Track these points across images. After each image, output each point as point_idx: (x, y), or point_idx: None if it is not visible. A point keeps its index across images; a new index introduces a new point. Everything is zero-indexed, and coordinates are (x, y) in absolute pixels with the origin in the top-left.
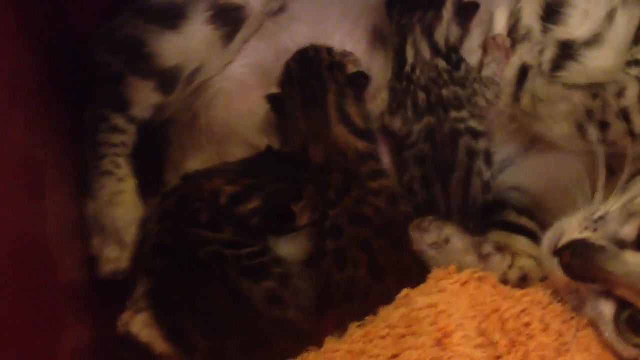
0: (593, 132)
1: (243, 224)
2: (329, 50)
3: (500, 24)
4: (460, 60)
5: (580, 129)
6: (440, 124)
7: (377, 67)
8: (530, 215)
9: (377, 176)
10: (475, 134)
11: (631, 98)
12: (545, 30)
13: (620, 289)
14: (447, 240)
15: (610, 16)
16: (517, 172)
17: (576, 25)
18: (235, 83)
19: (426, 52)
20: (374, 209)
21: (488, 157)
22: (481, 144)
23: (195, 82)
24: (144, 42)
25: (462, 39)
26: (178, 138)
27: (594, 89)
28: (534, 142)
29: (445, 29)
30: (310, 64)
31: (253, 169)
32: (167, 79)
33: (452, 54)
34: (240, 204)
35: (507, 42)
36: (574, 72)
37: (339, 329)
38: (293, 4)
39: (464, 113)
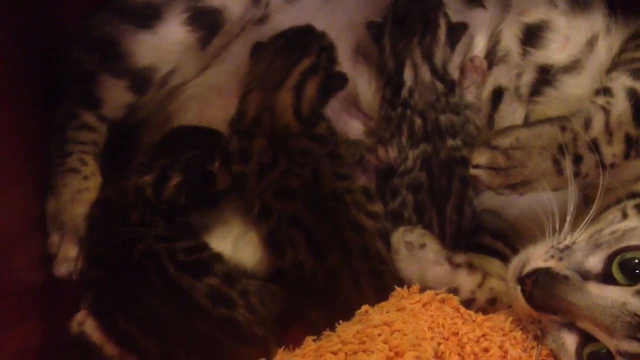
0: (568, 167)
1: (173, 210)
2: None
3: (480, 46)
4: (454, 83)
5: (557, 164)
6: (437, 152)
7: (362, 83)
8: (505, 240)
9: (304, 153)
10: (466, 163)
11: (598, 129)
12: (524, 54)
13: (582, 322)
14: (422, 246)
15: (591, 43)
16: (492, 196)
17: (556, 50)
18: (211, 89)
19: (426, 76)
20: (300, 181)
21: (475, 186)
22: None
23: (169, 84)
24: (119, 41)
25: (448, 61)
26: (149, 141)
27: (561, 121)
28: None
29: (442, 51)
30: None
31: (163, 149)
32: (140, 78)
33: (447, 77)
34: (163, 186)
35: (484, 64)
36: (550, 98)
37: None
38: (277, 15)
39: (458, 142)
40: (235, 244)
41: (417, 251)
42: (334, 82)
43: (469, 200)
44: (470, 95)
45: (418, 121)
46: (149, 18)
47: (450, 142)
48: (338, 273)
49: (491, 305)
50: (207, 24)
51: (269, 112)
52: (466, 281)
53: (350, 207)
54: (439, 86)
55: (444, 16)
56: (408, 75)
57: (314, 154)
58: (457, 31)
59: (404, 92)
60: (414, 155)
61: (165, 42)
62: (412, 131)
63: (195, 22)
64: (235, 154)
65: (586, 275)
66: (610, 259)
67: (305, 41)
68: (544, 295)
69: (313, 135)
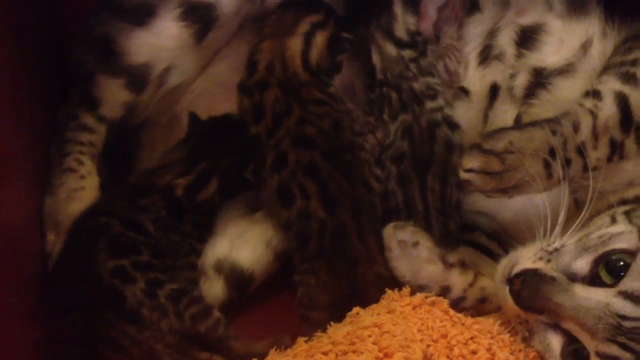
0: (558, 170)
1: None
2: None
3: (476, 41)
4: (425, 43)
5: (547, 167)
6: (417, 118)
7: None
8: (500, 242)
9: (320, 103)
10: (452, 125)
11: (586, 133)
12: (519, 56)
13: (567, 323)
14: (415, 244)
15: (585, 47)
16: (485, 199)
17: (550, 53)
18: (216, 85)
19: (392, 51)
20: (317, 130)
21: (462, 153)
22: (457, 137)
23: (168, 83)
24: (114, 39)
25: (420, 22)
26: (151, 142)
27: (551, 125)
28: None
29: (402, 22)
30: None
31: (202, 148)
32: (136, 76)
33: (416, 39)
34: (200, 190)
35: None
36: (543, 101)
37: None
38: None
39: (440, 101)
40: (233, 243)
41: (411, 249)
42: (343, 44)
43: (454, 169)
44: (446, 39)
45: (393, 95)
46: (143, 15)
47: (430, 104)
48: (347, 229)
49: (481, 304)
50: (200, 19)
51: (280, 60)
52: (458, 280)
53: (363, 165)
54: (407, 54)
55: None
56: (376, 58)
57: (330, 105)
58: None
59: (378, 75)
60: (394, 128)
61: (160, 38)
62: (390, 106)
63: (189, 17)
64: (247, 115)
65: (573, 277)
66: (597, 262)
67: (314, 2)
68: (532, 295)
69: (326, 92)
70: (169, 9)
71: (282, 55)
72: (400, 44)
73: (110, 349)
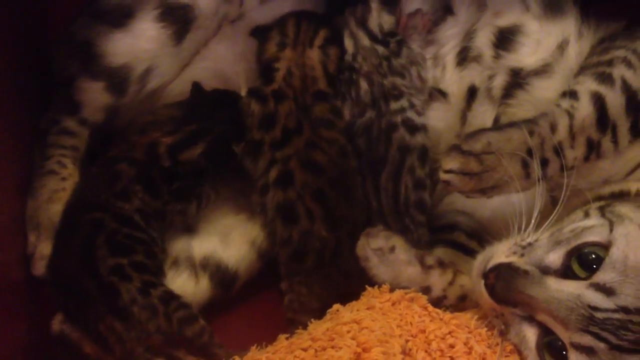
0: (536, 170)
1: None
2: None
3: (452, 44)
4: (401, 44)
5: (525, 167)
6: (379, 118)
7: None
8: (479, 240)
9: (330, 126)
10: (412, 128)
11: (563, 133)
12: (497, 57)
13: (540, 315)
14: (392, 249)
15: (561, 47)
16: (464, 197)
17: (527, 53)
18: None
19: (365, 40)
20: (327, 159)
21: (423, 154)
22: (417, 139)
23: (149, 85)
24: (93, 42)
25: (398, 23)
26: None
27: (529, 125)
28: None
29: (377, 17)
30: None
31: (196, 112)
32: (116, 78)
33: (389, 40)
34: (185, 150)
35: (426, 17)
36: (521, 101)
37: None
38: (252, 13)
39: (403, 102)
40: (219, 242)
41: (389, 255)
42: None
43: (411, 169)
44: (415, 44)
45: (364, 85)
46: (121, 17)
47: (393, 105)
48: (343, 245)
49: (461, 302)
50: (178, 20)
51: (300, 69)
52: (438, 280)
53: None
54: (380, 49)
55: None
56: (348, 43)
57: (337, 129)
58: None
59: (347, 57)
60: (361, 122)
61: (139, 40)
62: (358, 96)
63: (167, 18)
64: (252, 119)
65: (546, 270)
66: (569, 255)
67: (322, 16)
68: (505, 288)
69: (335, 107)
70: (147, 11)
71: (302, 65)
72: (372, 36)
73: (95, 344)
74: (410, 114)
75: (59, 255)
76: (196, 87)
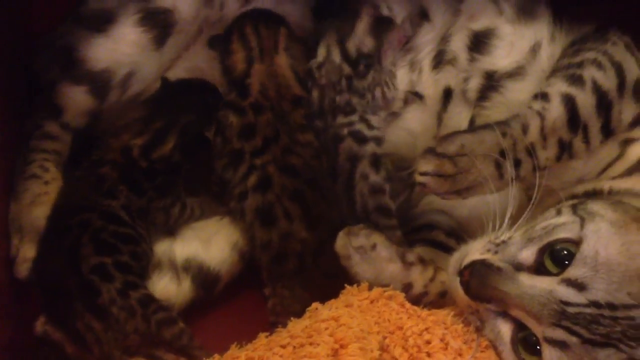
0: (508, 170)
1: (156, 170)
2: None
3: (428, 48)
4: (369, 68)
5: (499, 168)
6: (326, 130)
7: None
8: (457, 238)
9: (305, 129)
10: (360, 139)
11: (535, 134)
12: (472, 60)
13: (514, 310)
14: (373, 247)
15: (534, 50)
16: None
17: (501, 56)
18: None
19: (337, 57)
20: (302, 161)
21: (375, 161)
22: (368, 149)
23: (131, 89)
24: (75, 47)
25: (379, 49)
26: None
27: (501, 127)
28: None
29: (358, 39)
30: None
31: (159, 108)
32: (98, 82)
33: (361, 62)
34: (156, 148)
35: (405, 31)
36: (496, 103)
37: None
38: (233, 16)
39: (353, 117)
40: (201, 244)
41: (370, 253)
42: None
43: (364, 176)
44: (387, 60)
45: (315, 94)
46: (103, 22)
47: (341, 119)
48: (324, 246)
49: (442, 298)
50: (159, 24)
51: (272, 80)
52: (419, 277)
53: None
54: (345, 68)
55: (371, 8)
56: (320, 52)
57: (312, 132)
58: (383, 24)
59: (313, 63)
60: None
61: (120, 44)
62: (308, 102)
63: (148, 22)
64: (231, 130)
65: (519, 267)
66: (541, 252)
67: (275, 14)
68: (479, 284)
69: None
70: (128, 15)
71: (273, 74)
72: (345, 56)
73: (75, 343)
74: (360, 126)
75: (45, 256)
76: (164, 81)
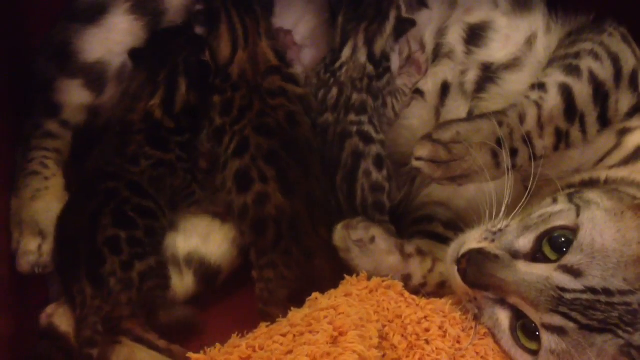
0: (505, 159)
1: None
2: None
3: (428, 41)
4: (386, 70)
5: (495, 157)
6: (336, 124)
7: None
8: (456, 230)
9: (276, 95)
10: (367, 139)
11: (532, 123)
12: (468, 53)
13: (511, 297)
14: (372, 240)
15: (530, 41)
16: (440, 189)
17: (497, 48)
18: None
19: (362, 58)
20: (275, 121)
21: (379, 161)
22: (372, 149)
23: None
24: (70, 41)
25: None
26: None
27: (498, 116)
28: None
29: (385, 41)
30: None
31: (155, 61)
32: (93, 74)
33: (383, 63)
34: (175, 98)
35: (423, 59)
36: (493, 94)
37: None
38: None
39: (362, 118)
40: (202, 240)
41: (369, 246)
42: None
43: (367, 173)
44: (400, 81)
45: (334, 91)
46: (94, 13)
47: (352, 117)
48: (302, 217)
49: (441, 289)
50: (150, 12)
51: (252, 63)
52: (418, 268)
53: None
54: (369, 68)
55: (396, 9)
56: (346, 53)
57: (286, 96)
58: (404, 26)
59: (337, 64)
60: (319, 121)
61: (112, 33)
62: (324, 99)
63: (139, 10)
64: (214, 109)
65: (515, 255)
66: (539, 239)
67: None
68: (477, 272)
69: (288, 74)
70: (119, 4)
71: (255, 60)
72: (371, 57)
73: (67, 303)
74: (368, 128)
75: (68, 214)
76: (132, 53)
